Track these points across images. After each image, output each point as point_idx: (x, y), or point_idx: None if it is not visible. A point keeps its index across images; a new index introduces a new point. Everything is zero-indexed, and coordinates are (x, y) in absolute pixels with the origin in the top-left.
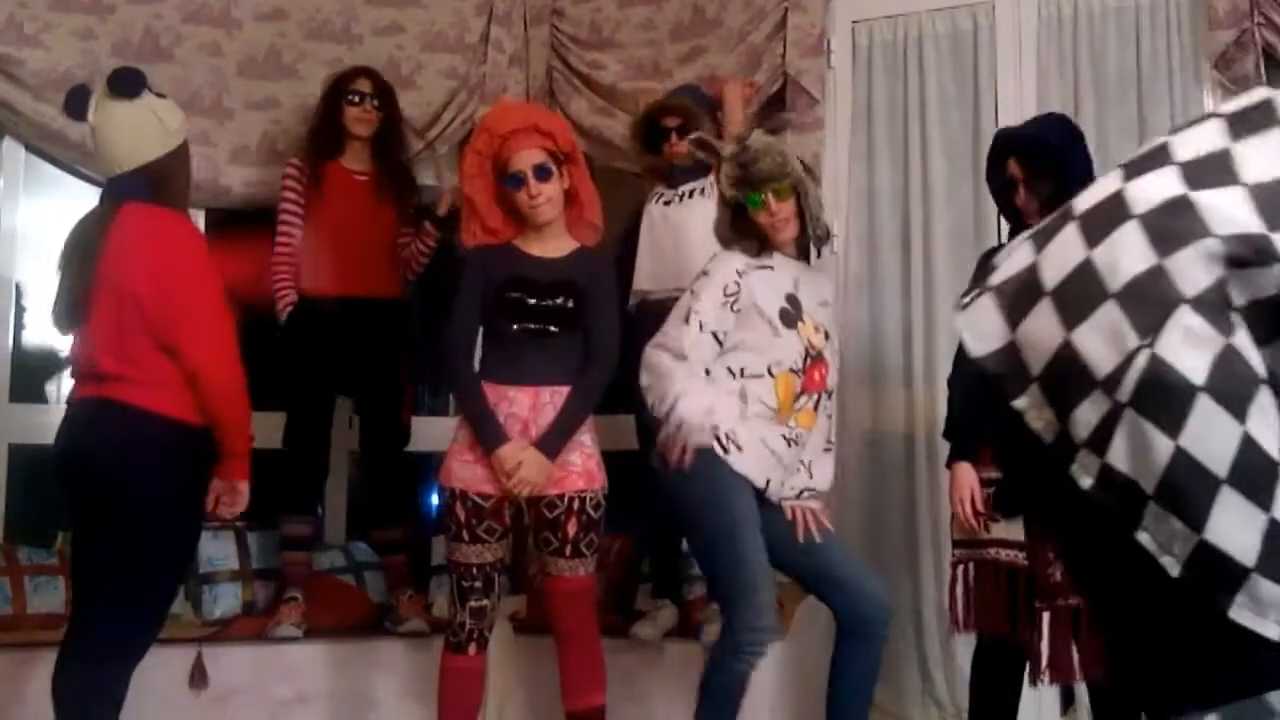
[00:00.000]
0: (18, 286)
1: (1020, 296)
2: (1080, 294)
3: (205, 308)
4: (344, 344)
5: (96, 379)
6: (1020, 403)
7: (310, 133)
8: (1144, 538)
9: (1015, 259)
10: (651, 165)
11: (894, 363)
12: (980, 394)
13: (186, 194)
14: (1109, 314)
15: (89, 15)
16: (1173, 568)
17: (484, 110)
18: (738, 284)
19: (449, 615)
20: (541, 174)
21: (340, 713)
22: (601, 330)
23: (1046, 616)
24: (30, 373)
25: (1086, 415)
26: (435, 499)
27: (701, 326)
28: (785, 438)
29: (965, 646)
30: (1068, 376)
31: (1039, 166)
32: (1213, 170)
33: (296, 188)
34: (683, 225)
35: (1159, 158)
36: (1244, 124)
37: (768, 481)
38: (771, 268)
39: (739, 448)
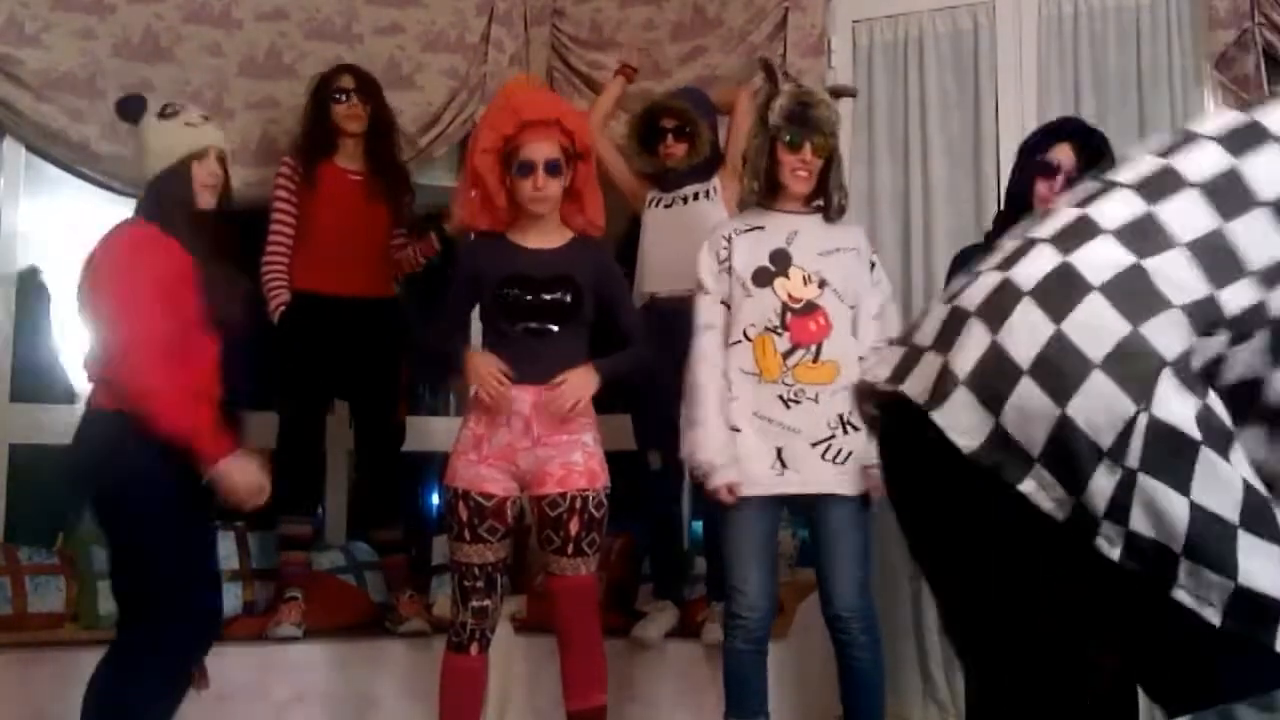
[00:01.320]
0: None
1: (994, 380)
2: (1062, 367)
3: (124, 305)
4: (338, 344)
5: (90, 385)
6: (1026, 486)
7: (302, 133)
8: (1181, 595)
9: (971, 342)
10: (646, 165)
11: None
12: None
13: (183, 214)
14: (1098, 383)
15: (89, 15)
16: (1215, 618)
17: (484, 110)
18: (726, 248)
19: (451, 615)
20: (551, 169)
21: (340, 713)
22: (631, 324)
23: None
24: (30, 373)
25: (1101, 486)
26: (436, 499)
27: (710, 295)
28: (782, 398)
29: None
30: (1073, 451)
31: (1091, 161)
32: (1147, 235)
33: (289, 186)
34: (692, 226)
35: (1086, 229)
36: (1151, 188)
37: (779, 454)
38: (763, 228)
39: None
